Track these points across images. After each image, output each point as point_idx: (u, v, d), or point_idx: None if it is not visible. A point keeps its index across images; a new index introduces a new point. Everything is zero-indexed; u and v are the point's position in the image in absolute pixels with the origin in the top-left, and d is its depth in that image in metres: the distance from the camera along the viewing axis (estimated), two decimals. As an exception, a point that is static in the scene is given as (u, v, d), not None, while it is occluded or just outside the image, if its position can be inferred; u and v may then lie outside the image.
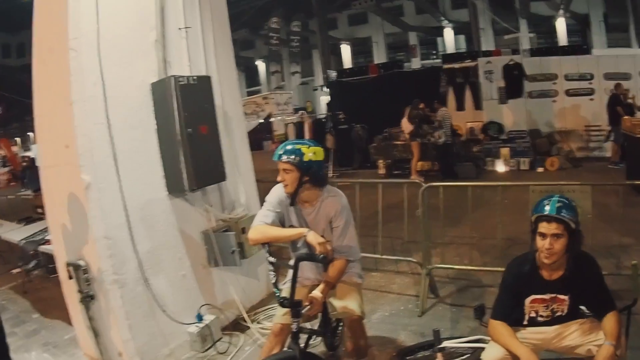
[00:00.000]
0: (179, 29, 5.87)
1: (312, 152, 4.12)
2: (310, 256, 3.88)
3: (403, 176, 16.42)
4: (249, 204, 6.58)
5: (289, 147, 4.11)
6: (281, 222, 4.29)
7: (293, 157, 4.06)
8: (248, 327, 6.04)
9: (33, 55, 5.47)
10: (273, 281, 3.97)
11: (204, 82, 5.70)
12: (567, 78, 18.02)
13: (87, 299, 5.24)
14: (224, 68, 6.52)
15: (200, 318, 5.71)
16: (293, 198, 4.21)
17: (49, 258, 8.32)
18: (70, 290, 5.53)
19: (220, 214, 6.16)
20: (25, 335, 7.10)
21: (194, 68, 5.95)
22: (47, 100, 5.40)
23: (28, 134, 53.37)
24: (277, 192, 4.31)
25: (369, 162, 18.94)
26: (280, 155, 4.07)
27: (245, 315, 6.10)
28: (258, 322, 6.22)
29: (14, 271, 10.88)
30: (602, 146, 17.46)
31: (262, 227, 4.12)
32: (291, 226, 4.30)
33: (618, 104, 15.35)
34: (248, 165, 6.98)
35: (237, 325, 6.19)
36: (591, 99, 17.86)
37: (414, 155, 15.78)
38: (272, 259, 4.01)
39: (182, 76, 5.34)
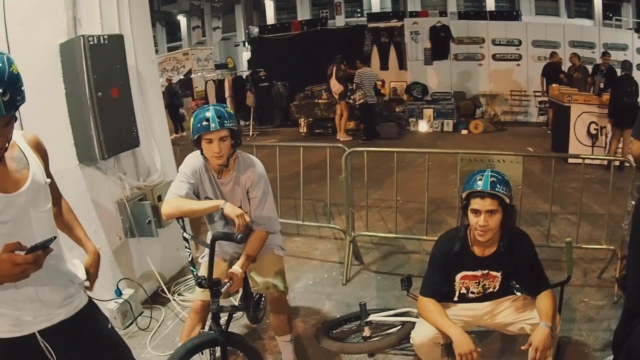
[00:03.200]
0: (91, -17, 5.41)
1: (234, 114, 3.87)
2: (228, 235, 3.58)
3: (325, 135, 16.42)
4: (164, 169, 6.22)
5: (222, 111, 3.74)
6: (195, 194, 3.97)
7: (232, 121, 3.75)
8: (169, 300, 5.80)
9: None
10: (189, 259, 3.75)
11: (116, 42, 5.27)
12: (495, 43, 18.13)
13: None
14: (139, 25, 6.06)
15: (119, 293, 5.37)
16: (222, 170, 3.95)
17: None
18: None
19: (135, 181, 5.80)
20: None
21: (106, 26, 5.47)
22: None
23: None
24: (191, 162, 3.98)
25: (290, 120, 18.78)
26: (221, 122, 3.66)
27: (164, 287, 5.85)
28: (179, 294, 6.00)
29: None
30: (527, 111, 17.79)
31: (175, 201, 3.78)
32: (207, 198, 4.00)
33: (558, 72, 15.55)
34: (163, 128, 6.61)
35: (157, 298, 5.93)
36: (518, 65, 18.09)
37: (344, 114, 15.70)
38: (186, 235, 3.78)
39: (92, 35, 4.89)
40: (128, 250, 5.75)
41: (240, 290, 4.19)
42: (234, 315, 4.25)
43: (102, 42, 4.98)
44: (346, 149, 6.39)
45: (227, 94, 18.70)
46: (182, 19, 45.95)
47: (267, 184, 4.05)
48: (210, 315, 3.79)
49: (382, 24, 19.55)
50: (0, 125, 2.21)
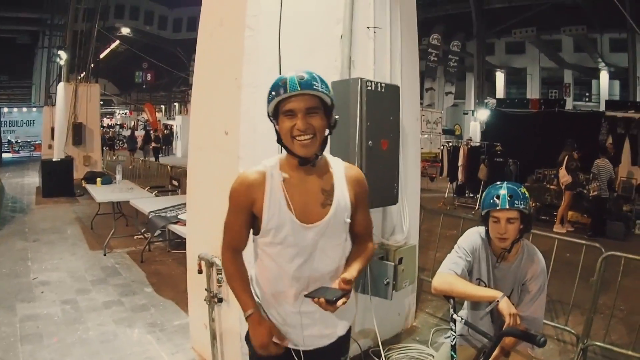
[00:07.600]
0: (368, 27, 5.37)
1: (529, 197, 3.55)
2: (527, 336, 3.09)
3: (550, 223, 15.34)
4: (410, 232, 5.95)
5: (516, 191, 3.51)
6: (468, 270, 3.70)
7: (524, 204, 3.46)
8: (379, 363, 5.52)
9: (200, 28, 5.18)
10: (452, 343, 3.46)
11: (392, 92, 5.15)
12: None
13: (215, 300, 4.87)
14: (408, 78, 5.96)
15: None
16: (503, 255, 3.63)
17: (175, 233, 8.15)
18: (195, 284, 5.22)
19: (379, 238, 5.60)
20: (132, 308, 6.92)
21: (377, 73, 5.42)
22: (210, 78, 5.05)
23: (174, 104, 56.85)
24: (472, 238, 3.73)
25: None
26: (512, 202, 3.44)
27: (381, 349, 5.53)
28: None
29: (136, 236, 10.90)
30: None
31: (450, 278, 3.56)
32: (479, 279, 3.71)
33: None
34: (416, 189, 6.38)
35: (367, 357, 5.69)
36: None
37: (565, 203, 14.74)
38: (457, 317, 3.49)
39: (370, 81, 4.82)
40: (353, 304, 5.50)
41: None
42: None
43: (378, 89, 4.88)
44: (603, 250, 5.82)
45: (460, 162, 18.52)
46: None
47: (545, 280, 3.67)
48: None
49: (619, 114, 18.51)
50: (301, 109, 2.50)
